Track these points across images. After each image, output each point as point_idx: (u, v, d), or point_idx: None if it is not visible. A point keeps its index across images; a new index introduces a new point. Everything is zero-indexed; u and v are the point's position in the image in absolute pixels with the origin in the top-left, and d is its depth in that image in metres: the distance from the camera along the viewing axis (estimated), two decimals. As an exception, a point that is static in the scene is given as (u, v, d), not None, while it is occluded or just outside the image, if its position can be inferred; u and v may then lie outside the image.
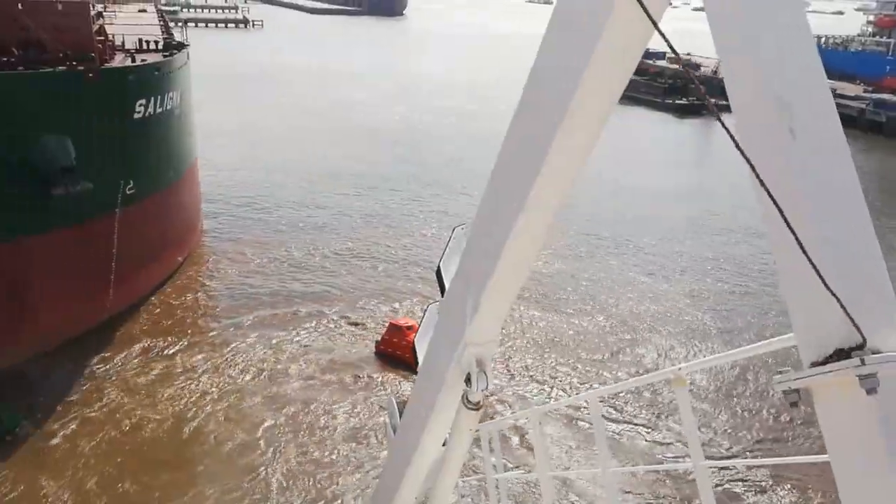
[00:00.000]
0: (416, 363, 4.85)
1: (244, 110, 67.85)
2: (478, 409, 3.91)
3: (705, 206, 47.00)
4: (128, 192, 26.64)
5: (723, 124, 2.43)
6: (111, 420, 21.32)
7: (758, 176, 2.27)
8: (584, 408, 21.10)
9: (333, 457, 20.26)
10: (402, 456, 5.34)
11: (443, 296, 4.22)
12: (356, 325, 28.44)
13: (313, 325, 28.17)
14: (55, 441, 20.08)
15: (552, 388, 24.62)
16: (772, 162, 2.33)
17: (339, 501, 18.59)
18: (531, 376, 25.27)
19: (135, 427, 21.09)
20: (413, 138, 63.16)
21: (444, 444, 5.00)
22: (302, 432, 21.34)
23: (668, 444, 21.82)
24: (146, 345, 25.67)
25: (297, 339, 27.06)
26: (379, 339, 26.28)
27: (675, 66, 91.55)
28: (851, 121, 72.85)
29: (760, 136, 2.40)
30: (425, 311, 4.99)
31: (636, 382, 5.54)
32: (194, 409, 22.21)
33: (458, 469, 4.81)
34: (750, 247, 39.17)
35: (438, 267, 4.26)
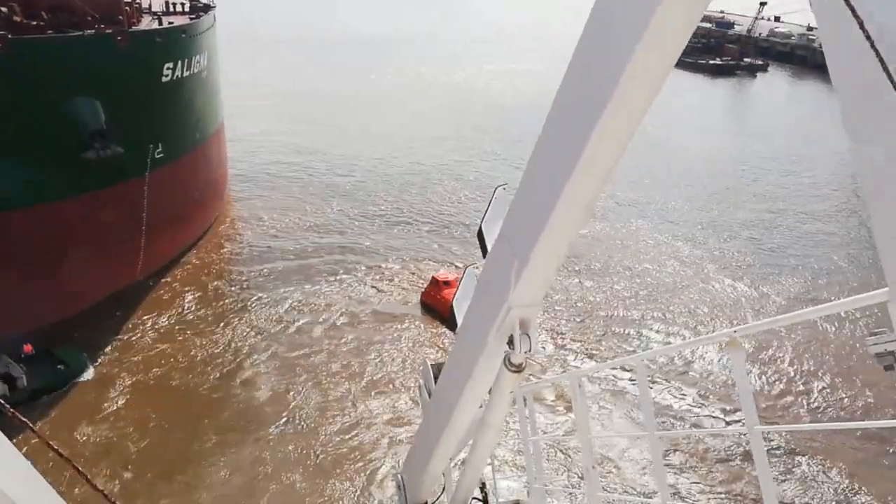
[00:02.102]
0: (455, 325, 4.83)
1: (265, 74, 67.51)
2: (519, 371, 3.88)
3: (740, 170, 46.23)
4: (157, 156, 26.77)
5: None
6: (153, 367, 22.01)
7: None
8: (620, 376, 21.35)
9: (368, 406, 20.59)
10: (439, 418, 5.33)
11: (484, 257, 4.15)
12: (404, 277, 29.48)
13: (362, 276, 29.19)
14: (109, 389, 20.73)
15: (587, 352, 24.73)
16: None
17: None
18: (567, 340, 25.37)
19: (168, 375, 21.74)
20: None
21: (481, 406, 5.04)
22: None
23: (719, 409, 21.87)
24: (179, 304, 26.15)
25: (341, 290, 27.99)
26: (423, 291, 28.10)
27: (708, 25, 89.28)
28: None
29: None
30: (464, 273, 4.94)
31: (688, 345, 5.43)
32: (241, 357, 22.97)
33: (497, 430, 4.79)
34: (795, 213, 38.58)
35: (480, 228, 4.19)
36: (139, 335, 23.70)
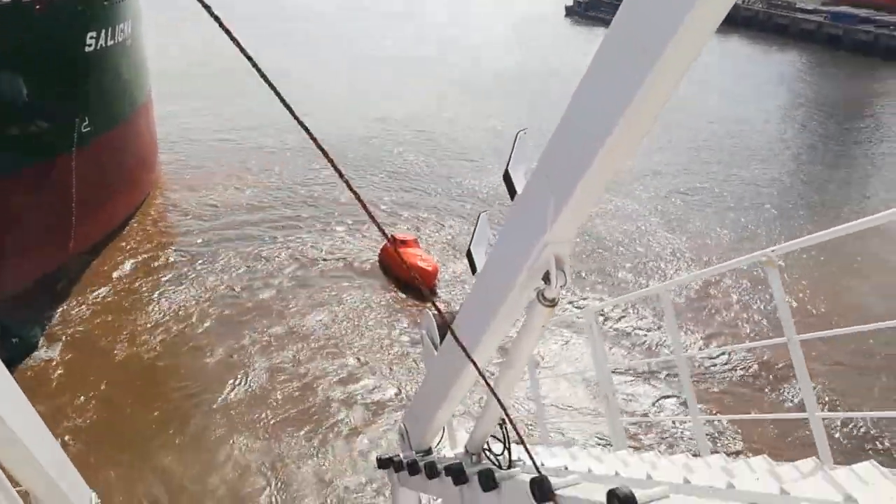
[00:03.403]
0: (474, 269, 4.87)
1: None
2: (553, 306, 3.95)
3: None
4: (84, 130, 25.95)
5: None
6: (96, 338, 21.79)
7: None
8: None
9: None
10: (453, 366, 5.35)
11: (512, 199, 4.20)
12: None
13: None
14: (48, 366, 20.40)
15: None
16: None
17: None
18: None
19: (111, 346, 21.55)
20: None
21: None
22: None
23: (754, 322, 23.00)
24: (120, 276, 25.78)
25: (290, 254, 28.14)
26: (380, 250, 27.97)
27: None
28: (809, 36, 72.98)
29: None
30: (477, 220, 5.04)
31: (722, 268, 5.54)
32: (186, 324, 22.91)
33: (521, 368, 4.84)
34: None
35: (507, 171, 4.21)
36: (80, 308, 23.28)
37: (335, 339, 22.40)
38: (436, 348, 6.37)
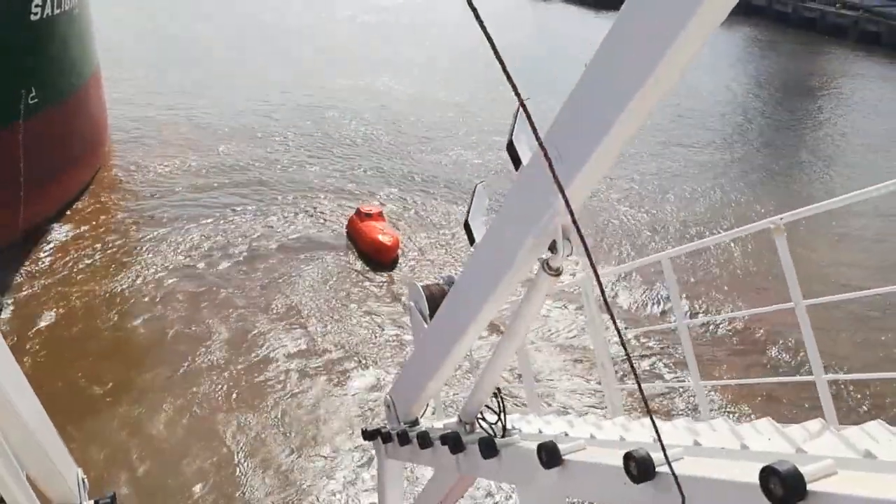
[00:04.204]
0: (472, 240, 4.87)
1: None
2: (558, 275, 4.01)
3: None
4: (31, 102, 25.20)
5: None
6: (50, 312, 21.39)
7: None
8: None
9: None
10: (446, 337, 5.38)
11: (517, 168, 4.19)
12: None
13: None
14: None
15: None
16: None
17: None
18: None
19: (66, 320, 21.21)
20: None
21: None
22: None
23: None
24: (74, 250, 25.26)
25: (250, 225, 27.87)
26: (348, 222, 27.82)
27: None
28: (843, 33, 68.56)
29: None
30: (474, 191, 5.00)
31: (727, 237, 5.46)
32: (143, 296, 22.62)
33: (523, 335, 4.87)
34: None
35: (510, 140, 4.18)
36: (31, 283, 22.83)
37: (296, 309, 22.39)
38: (425, 320, 6.42)
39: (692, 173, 36.11)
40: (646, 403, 3.15)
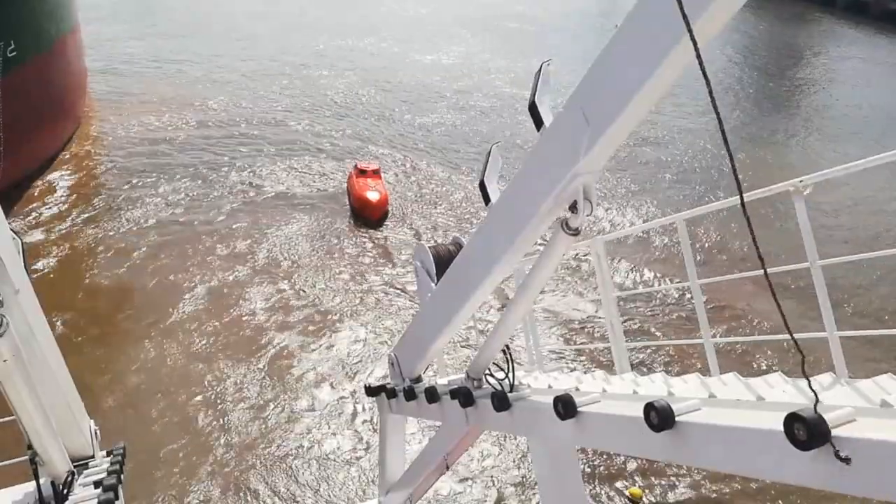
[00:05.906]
0: (487, 200, 4.89)
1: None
2: (577, 235, 4.08)
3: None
4: (9, 55, 24.59)
5: None
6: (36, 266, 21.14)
7: None
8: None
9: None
10: (455, 296, 5.46)
11: (538, 130, 4.21)
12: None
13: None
14: None
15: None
16: None
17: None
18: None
19: (49, 272, 21.04)
20: None
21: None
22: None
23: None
24: (57, 205, 24.99)
25: (243, 179, 27.66)
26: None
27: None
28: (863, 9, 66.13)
29: None
30: (489, 152, 5.02)
31: (747, 197, 5.20)
32: (127, 250, 22.46)
33: (536, 294, 4.93)
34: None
35: (532, 101, 4.20)
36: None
37: (282, 263, 22.38)
38: (432, 279, 6.51)
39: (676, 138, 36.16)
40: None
